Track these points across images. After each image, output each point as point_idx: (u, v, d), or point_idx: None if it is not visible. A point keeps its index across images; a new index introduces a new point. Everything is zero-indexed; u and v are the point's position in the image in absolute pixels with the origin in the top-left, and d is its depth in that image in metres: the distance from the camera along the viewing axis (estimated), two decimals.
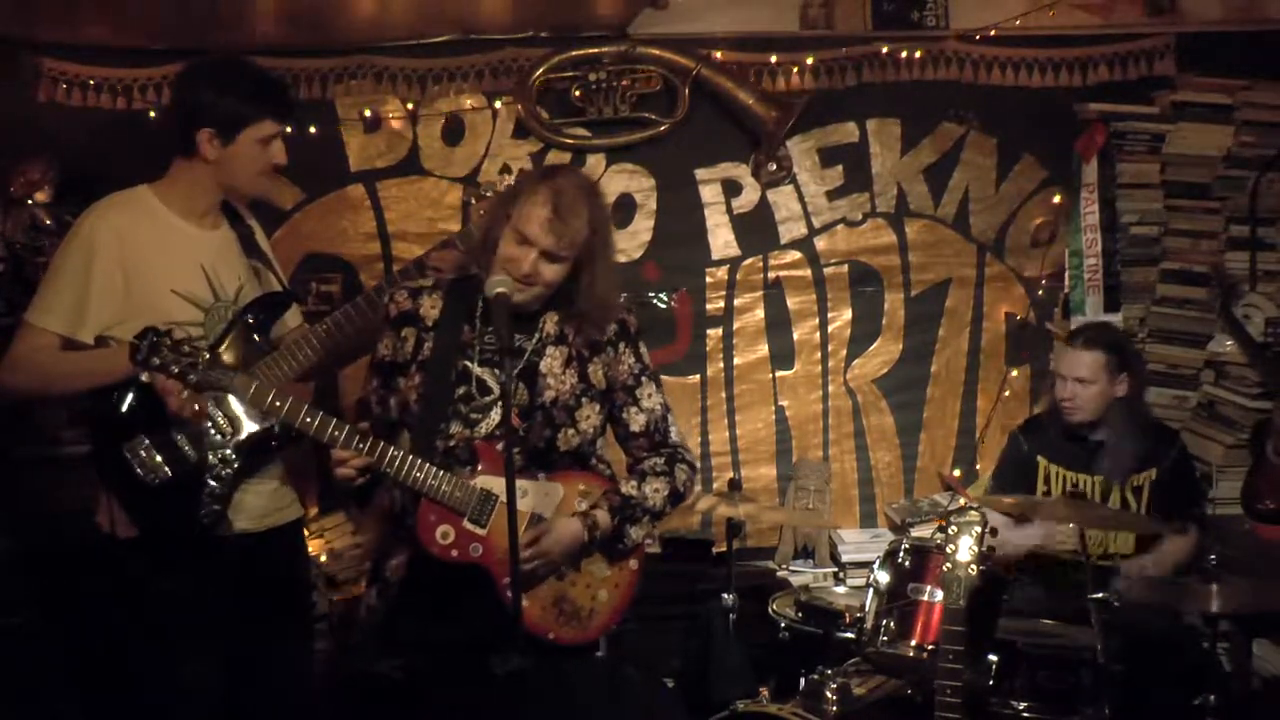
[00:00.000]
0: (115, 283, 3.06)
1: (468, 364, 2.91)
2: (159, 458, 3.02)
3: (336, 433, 2.79)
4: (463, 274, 3.02)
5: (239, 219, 3.31)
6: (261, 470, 3.17)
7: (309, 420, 2.80)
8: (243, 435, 3.09)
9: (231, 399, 3.04)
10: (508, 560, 2.77)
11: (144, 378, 2.88)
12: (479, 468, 2.85)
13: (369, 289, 3.36)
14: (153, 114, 4.49)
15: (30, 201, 4.23)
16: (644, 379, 3.01)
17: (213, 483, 3.06)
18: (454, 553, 2.82)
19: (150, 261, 3.10)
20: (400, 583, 2.91)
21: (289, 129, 3.26)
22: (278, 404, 2.80)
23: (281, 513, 3.26)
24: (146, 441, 3.02)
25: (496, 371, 2.87)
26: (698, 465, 3.10)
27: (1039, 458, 4.08)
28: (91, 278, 3.06)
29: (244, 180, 3.19)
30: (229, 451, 3.07)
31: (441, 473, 2.81)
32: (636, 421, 3.00)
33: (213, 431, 3.06)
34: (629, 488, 2.95)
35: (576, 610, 2.89)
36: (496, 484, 2.80)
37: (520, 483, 2.80)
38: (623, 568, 2.95)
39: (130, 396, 3.04)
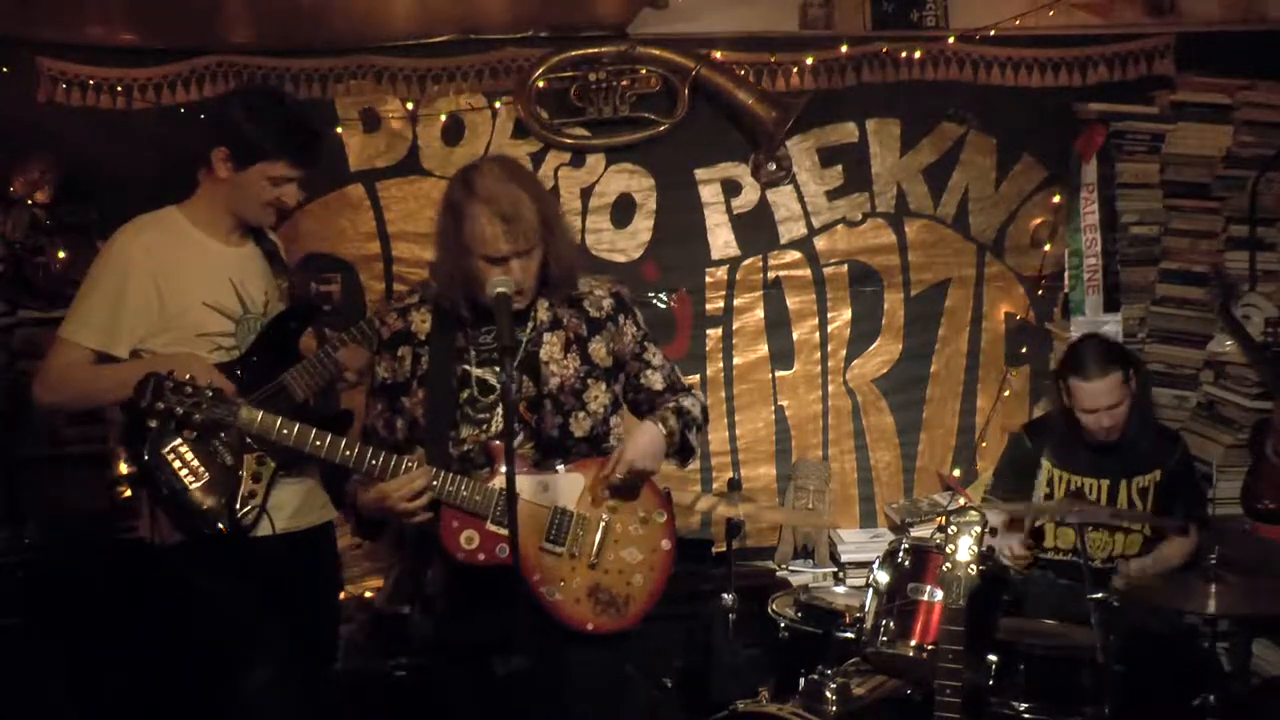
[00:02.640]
0: (150, 297, 3.13)
1: (466, 368, 2.90)
2: (198, 461, 3.06)
3: (348, 453, 2.81)
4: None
5: (264, 236, 3.37)
6: (300, 470, 3.20)
7: (319, 444, 2.82)
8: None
9: (265, 402, 3.07)
10: (537, 557, 2.80)
11: (152, 423, 2.90)
12: (496, 468, 2.85)
13: (366, 319, 3.36)
14: (151, 114, 4.49)
15: (30, 201, 4.23)
16: (646, 343, 3.05)
17: (251, 484, 3.09)
18: (481, 556, 2.81)
19: (182, 276, 3.17)
20: (442, 596, 2.92)
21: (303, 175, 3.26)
22: (285, 431, 2.82)
23: (319, 512, 3.32)
24: (184, 446, 3.05)
25: (497, 370, 2.87)
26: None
27: (1044, 461, 4.07)
28: (126, 294, 3.12)
29: (248, 209, 3.23)
30: (264, 453, 3.10)
31: (459, 478, 2.81)
32: (655, 381, 3.04)
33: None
34: (672, 404, 3.02)
35: (613, 598, 2.88)
36: (518, 482, 2.79)
37: (540, 477, 2.86)
38: (655, 549, 2.94)
39: None
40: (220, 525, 3.10)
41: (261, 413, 2.85)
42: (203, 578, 3.11)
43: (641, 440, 2.91)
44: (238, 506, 3.10)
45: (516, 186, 2.82)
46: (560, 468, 2.89)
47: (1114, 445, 3.98)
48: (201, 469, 3.06)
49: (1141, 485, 3.99)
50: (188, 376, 2.81)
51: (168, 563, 3.15)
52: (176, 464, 3.05)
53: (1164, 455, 4.02)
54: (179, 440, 3.06)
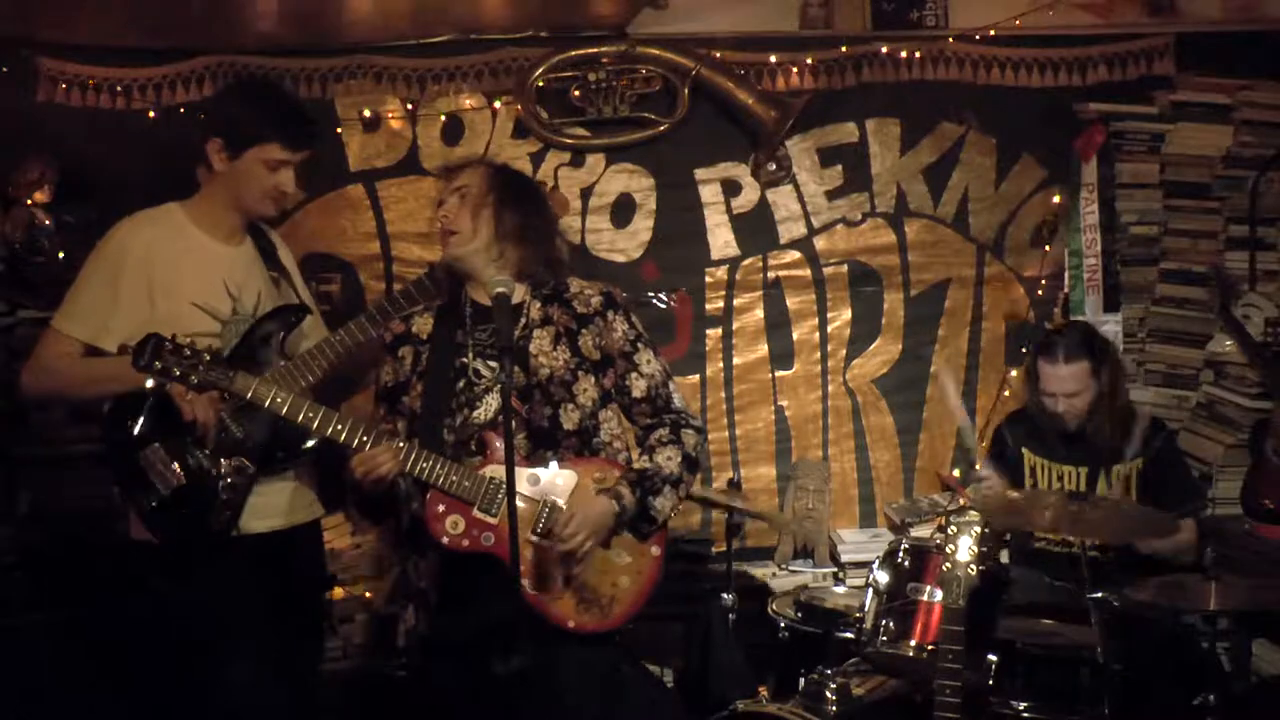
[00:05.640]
0: (140, 295, 3.13)
1: (464, 360, 2.97)
2: (173, 465, 3.06)
3: (340, 426, 2.84)
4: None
5: (262, 234, 3.37)
6: (283, 470, 3.20)
7: (311, 415, 2.84)
8: (255, 443, 3.12)
9: (244, 407, 3.07)
10: (523, 549, 2.80)
11: (149, 383, 2.91)
12: (489, 457, 2.87)
13: (370, 307, 3.36)
14: (151, 114, 4.50)
15: (29, 201, 4.23)
16: (640, 345, 3.06)
17: (225, 490, 3.08)
18: (465, 543, 2.84)
19: (174, 275, 3.17)
20: (432, 589, 2.93)
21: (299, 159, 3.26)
22: (279, 400, 2.84)
23: (305, 510, 3.31)
24: (161, 449, 3.05)
25: (490, 363, 2.94)
26: (705, 428, 3.13)
27: (1023, 450, 4.10)
28: (118, 289, 3.14)
29: (247, 198, 3.23)
30: (241, 458, 3.10)
31: (448, 462, 2.84)
32: (638, 387, 3.04)
33: (226, 438, 3.09)
34: (641, 462, 2.99)
35: (597, 598, 2.90)
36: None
37: (532, 470, 2.88)
38: (644, 554, 2.96)
39: (146, 405, 3.07)
40: (190, 531, 3.09)
41: (257, 380, 2.87)
42: (173, 578, 3.11)
43: (589, 516, 2.87)
44: (211, 512, 3.09)
45: (481, 162, 3.08)
46: (553, 463, 2.90)
47: (1087, 434, 3.99)
48: (174, 473, 3.06)
49: (1123, 473, 4.00)
50: (189, 340, 2.82)
51: (141, 561, 3.14)
52: (150, 469, 3.05)
53: (1145, 443, 4.02)
54: (156, 444, 3.07)
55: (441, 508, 2.84)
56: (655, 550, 2.99)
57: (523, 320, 2.99)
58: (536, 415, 2.92)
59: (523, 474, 2.86)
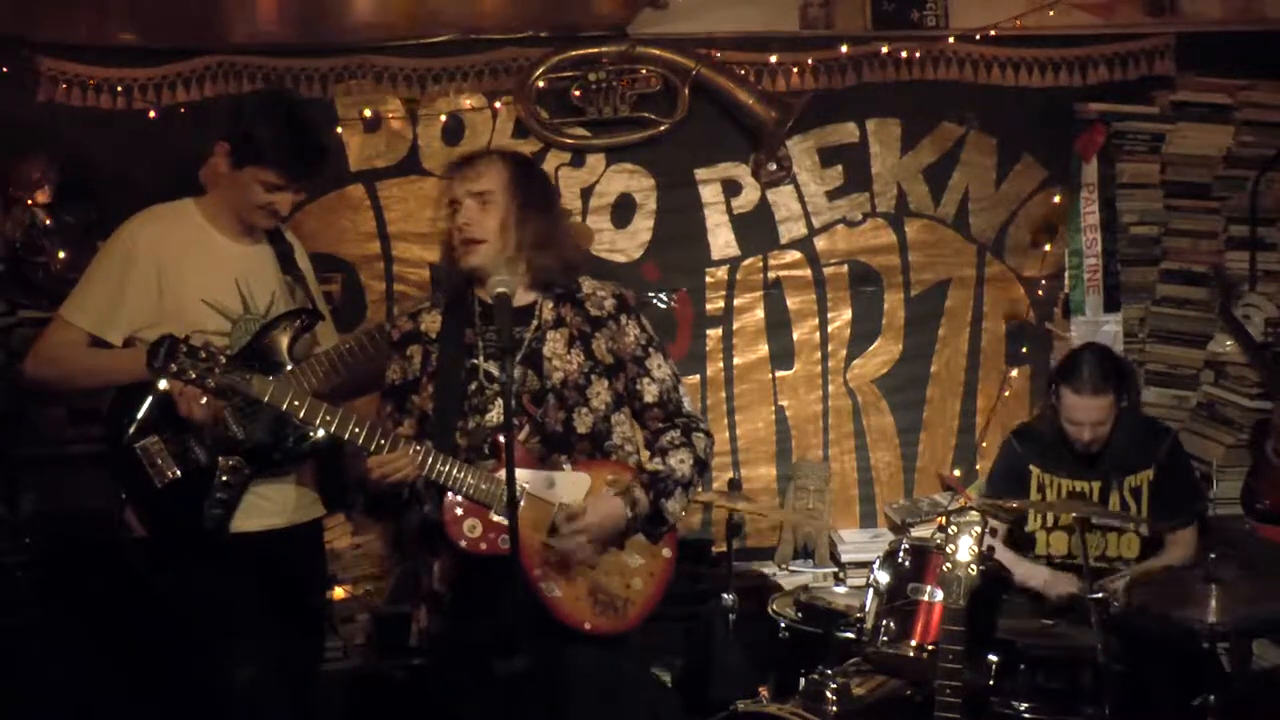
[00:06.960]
0: (149, 289, 3.13)
1: (475, 361, 2.95)
2: (170, 458, 3.06)
3: (358, 430, 2.81)
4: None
5: (279, 236, 3.37)
6: (283, 471, 3.20)
7: (329, 419, 2.81)
8: (254, 443, 3.11)
9: (247, 407, 3.07)
10: (539, 551, 2.81)
11: (161, 385, 2.90)
12: (501, 458, 2.86)
13: (378, 324, 3.35)
14: (151, 114, 4.50)
15: (30, 201, 4.24)
16: (651, 349, 3.05)
17: (220, 488, 3.08)
18: (482, 545, 2.82)
19: (185, 271, 3.17)
20: (448, 591, 2.92)
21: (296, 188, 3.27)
22: (295, 403, 2.81)
23: (306, 510, 3.31)
24: (159, 442, 3.05)
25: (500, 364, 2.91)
26: (712, 433, 3.12)
27: (1031, 466, 4.05)
28: (126, 283, 3.14)
29: (241, 208, 3.23)
30: (239, 458, 3.10)
31: (465, 465, 2.83)
32: (650, 392, 3.03)
33: (225, 437, 3.09)
34: (654, 465, 2.98)
35: (612, 600, 2.89)
36: (523, 476, 2.80)
37: (547, 473, 2.88)
38: (656, 555, 2.96)
39: (148, 398, 3.07)
40: (181, 526, 3.09)
41: (274, 382, 2.84)
42: (171, 575, 3.11)
43: (600, 515, 2.86)
44: (205, 508, 3.09)
45: (492, 154, 3.01)
46: (566, 466, 2.90)
47: (1100, 449, 3.97)
48: (170, 469, 3.06)
49: (1134, 485, 3.98)
50: (204, 341, 2.81)
51: (140, 558, 3.15)
52: (146, 461, 3.05)
53: (1154, 451, 4.01)
54: (154, 437, 3.06)
55: (459, 511, 2.82)
56: (667, 552, 2.99)
57: (534, 322, 2.97)
58: (551, 419, 2.91)
59: (538, 477, 2.85)
